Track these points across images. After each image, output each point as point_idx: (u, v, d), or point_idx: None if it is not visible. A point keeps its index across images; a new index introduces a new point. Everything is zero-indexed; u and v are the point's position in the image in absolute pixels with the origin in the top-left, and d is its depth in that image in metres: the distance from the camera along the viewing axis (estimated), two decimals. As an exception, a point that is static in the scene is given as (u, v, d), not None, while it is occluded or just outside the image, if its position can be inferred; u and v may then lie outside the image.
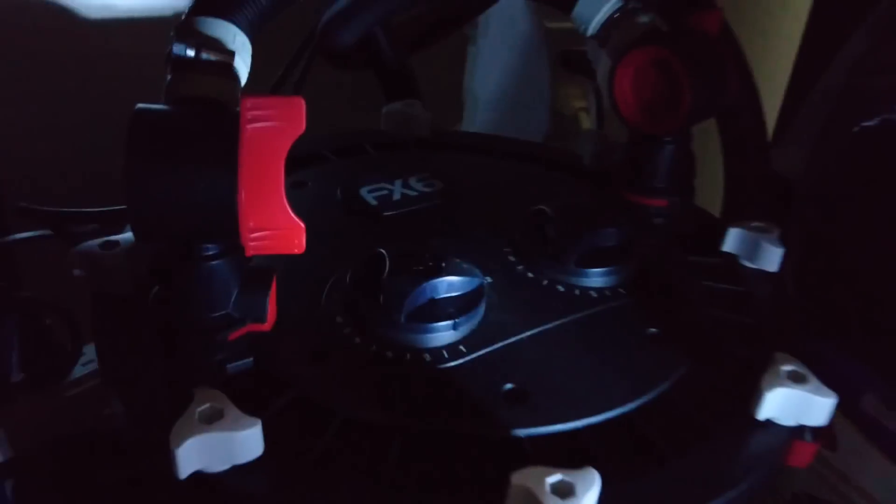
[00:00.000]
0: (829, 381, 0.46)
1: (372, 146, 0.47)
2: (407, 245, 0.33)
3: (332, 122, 0.55)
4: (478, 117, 0.72)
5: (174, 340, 0.30)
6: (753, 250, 0.39)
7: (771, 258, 0.39)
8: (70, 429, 0.44)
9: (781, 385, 0.30)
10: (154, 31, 0.36)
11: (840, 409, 0.46)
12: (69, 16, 0.48)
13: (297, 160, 0.44)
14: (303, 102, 0.27)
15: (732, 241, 0.40)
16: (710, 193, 0.52)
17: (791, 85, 0.61)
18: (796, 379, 0.30)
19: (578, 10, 0.40)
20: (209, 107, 0.27)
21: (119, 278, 0.33)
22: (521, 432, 0.28)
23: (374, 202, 0.39)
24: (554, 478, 0.25)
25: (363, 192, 0.39)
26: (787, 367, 0.31)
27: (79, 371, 0.45)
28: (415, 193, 0.40)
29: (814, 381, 0.31)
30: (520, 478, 0.25)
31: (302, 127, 0.27)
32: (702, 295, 0.37)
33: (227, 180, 0.26)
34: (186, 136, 0.26)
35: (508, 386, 0.30)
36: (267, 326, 0.30)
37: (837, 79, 0.49)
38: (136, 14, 0.45)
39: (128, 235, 0.34)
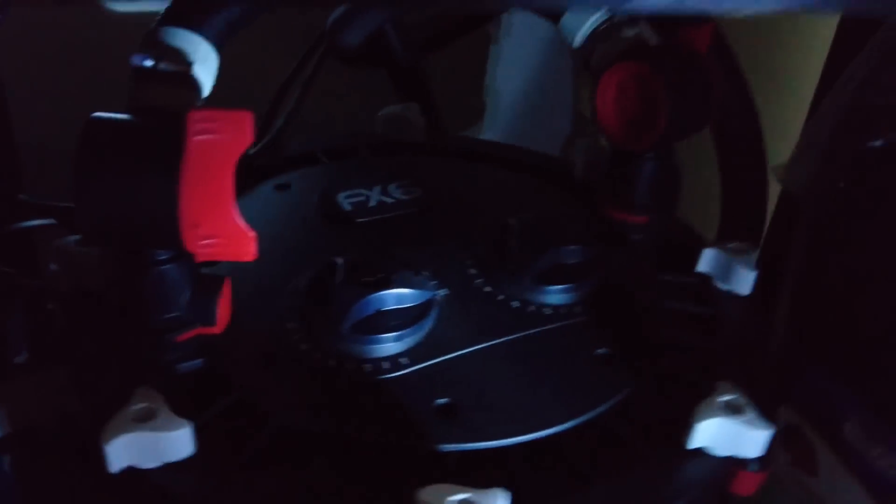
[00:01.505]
0: (813, 404, 0.46)
1: (365, 149, 0.48)
2: (364, 255, 0.34)
3: (346, 120, 0.56)
4: (499, 117, 0.72)
5: (127, 339, 0.31)
6: (727, 272, 0.39)
7: (743, 281, 0.39)
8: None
9: (715, 415, 0.30)
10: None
11: (822, 434, 0.46)
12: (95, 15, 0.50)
13: (288, 161, 0.45)
14: (250, 116, 0.28)
15: (707, 261, 0.40)
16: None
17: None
18: (733, 410, 0.30)
19: (565, 21, 0.40)
20: (160, 117, 0.28)
21: (92, 276, 0.34)
22: (447, 448, 0.29)
23: (348, 208, 0.40)
24: (457, 497, 0.26)
25: (340, 197, 0.40)
26: (724, 398, 0.31)
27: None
28: (391, 201, 0.41)
29: (751, 413, 0.30)
30: (425, 495, 0.26)
31: (249, 140, 0.28)
32: (664, 315, 0.37)
33: (168, 189, 0.27)
34: (133, 145, 0.27)
35: (442, 400, 0.30)
36: (217, 329, 0.31)
37: (843, 96, 0.48)
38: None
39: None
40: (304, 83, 0.51)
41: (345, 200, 0.40)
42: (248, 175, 0.43)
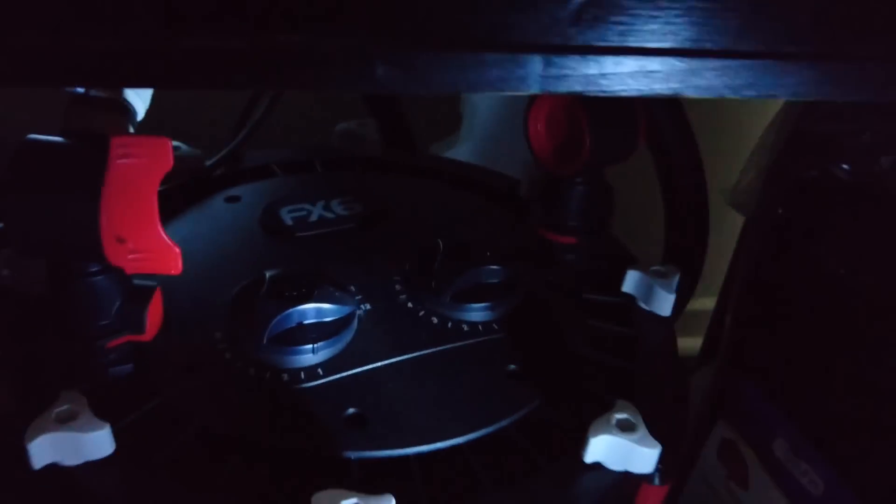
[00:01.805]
0: (747, 423, 0.47)
1: (320, 164, 0.50)
2: (294, 269, 0.36)
3: (321, 131, 0.58)
4: (475, 129, 0.74)
5: (61, 344, 0.33)
6: (649, 294, 0.41)
7: (663, 303, 0.40)
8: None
9: (608, 432, 0.32)
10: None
11: (752, 448, 0.47)
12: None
13: (244, 173, 0.48)
14: (168, 142, 0.30)
15: (631, 282, 0.41)
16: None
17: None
18: (625, 428, 0.32)
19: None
20: (87, 140, 0.30)
21: (38, 283, 0.37)
22: (352, 455, 0.31)
23: (290, 222, 0.42)
24: (348, 501, 0.28)
25: (283, 211, 0.42)
26: (619, 416, 0.32)
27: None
28: (332, 216, 0.43)
29: (642, 432, 0.32)
30: (318, 499, 0.28)
31: (169, 164, 0.30)
32: (581, 334, 0.38)
33: (89, 208, 0.29)
34: (59, 165, 0.30)
35: (351, 410, 0.33)
36: (147, 337, 0.34)
37: (785, 123, 0.49)
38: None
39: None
40: (269, 98, 0.53)
41: (287, 215, 0.42)
42: (204, 186, 0.46)
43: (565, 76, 0.22)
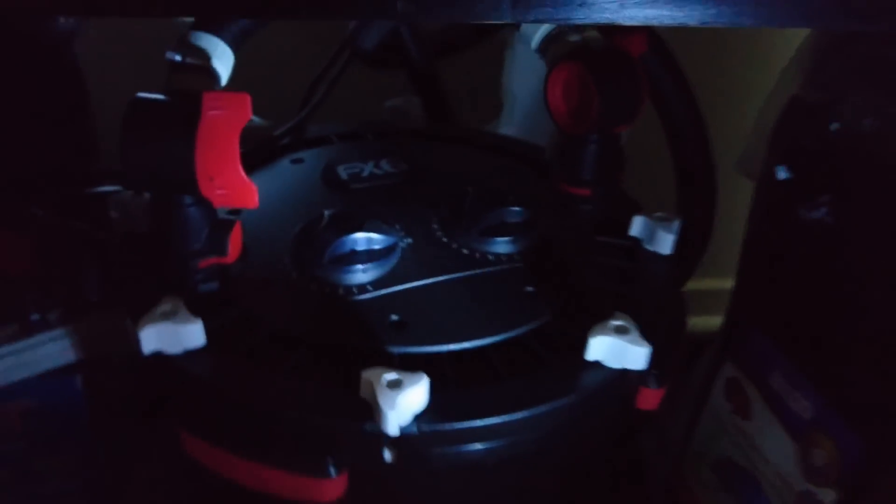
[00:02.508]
0: (749, 360, 0.53)
1: (372, 134, 0.57)
2: (348, 210, 0.44)
3: (364, 112, 0.66)
4: (514, 115, 0.81)
5: (162, 265, 0.41)
6: (652, 236, 0.47)
7: (665, 243, 0.47)
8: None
9: (605, 334, 0.38)
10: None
11: (754, 383, 0.53)
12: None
13: (306, 142, 0.56)
14: (248, 97, 0.38)
15: (637, 227, 0.48)
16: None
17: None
18: (619, 331, 0.39)
19: (523, 28, 0.49)
20: (183, 98, 0.38)
21: (141, 221, 0.45)
22: (394, 350, 0.38)
23: (345, 177, 0.50)
24: (390, 375, 0.35)
25: (339, 168, 0.50)
26: (615, 322, 0.39)
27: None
28: (381, 172, 0.50)
29: (634, 334, 0.39)
30: (366, 374, 0.35)
31: (248, 115, 0.38)
32: (591, 266, 0.45)
33: (187, 150, 0.37)
34: (163, 117, 0.38)
35: (394, 317, 0.40)
36: (229, 260, 0.41)
37: (783, 93, 0.55)
38: None
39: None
40: (329, 81, 0.61)
41: (343, 171, 0.50)
42: (273, 151, 0.54)
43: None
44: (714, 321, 0.61)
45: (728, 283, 0.59)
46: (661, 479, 0.65)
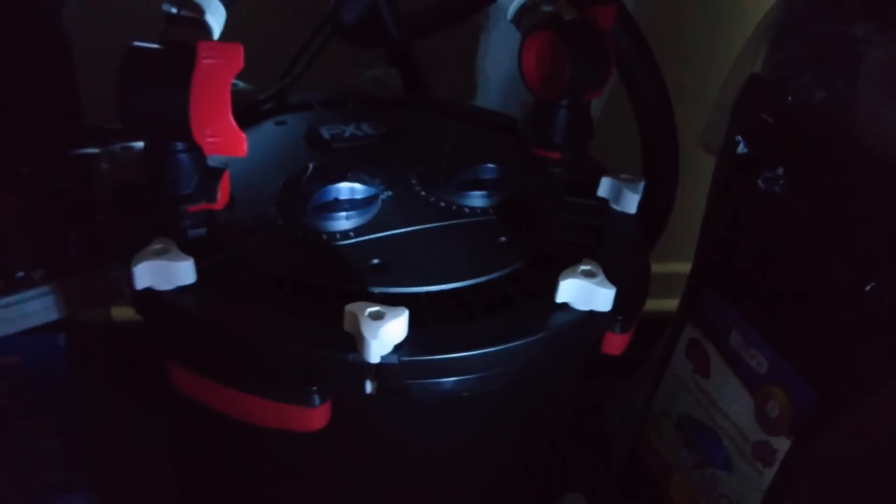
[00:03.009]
0: (708, 319, 0.56)
1: (351, 101, 0.60)
2: (332, 163, 0.46)
3: (343, 82, 0.68)
4: (489, 97, 0.84)
5: (153, 209, 0.43)
6: (619, 196, 0.50)
7: (630, 203, 0.49)
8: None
9: (574, 277, 0.41)
10: None
11: (713, 342, 0.56)
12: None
13: (288, 107, 0.58)
14: (240, 47, 0.40)
15: (604, 187, 0.50)
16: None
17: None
18: (587, 275, 0.41)
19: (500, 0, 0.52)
20: (178, 47, 0.40)
21: (131, 172, 0.47)
22: (375, 290, 0.41)
23: (327, 136, 0.52)
24: (372, 308, 0.37)
25: (322, 129, 0.52)
26: (584, 267, 0.42)
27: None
28: (362, 134, 0.53)
29: (601, 277, 0.41)
30: (350, 307, 0.37)
31: (240, 65, 0.40)
32: (560, 222, 0.48)
33: (181, 97, 0.39)
34: (158, 65, 0.39)
35: (375, 261, 0.42)
36: (218, 206, 0.43)
37: (742, 71, 0.58)
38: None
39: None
40: (311, 53, 0.63)
41: (325, 131, 0.52)
42: (257, 115, 0.56)
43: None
44: (676, 304, 0.64)
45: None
46: (624, 440, 0.68)
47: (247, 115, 0.54)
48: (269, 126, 0.54)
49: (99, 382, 0.66)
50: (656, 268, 0.60)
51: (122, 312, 0.73)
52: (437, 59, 0.76)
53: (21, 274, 0.55)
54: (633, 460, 0.66)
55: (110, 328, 0.72)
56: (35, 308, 0.55)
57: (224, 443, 0.44)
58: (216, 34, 0.44)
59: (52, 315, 0.56)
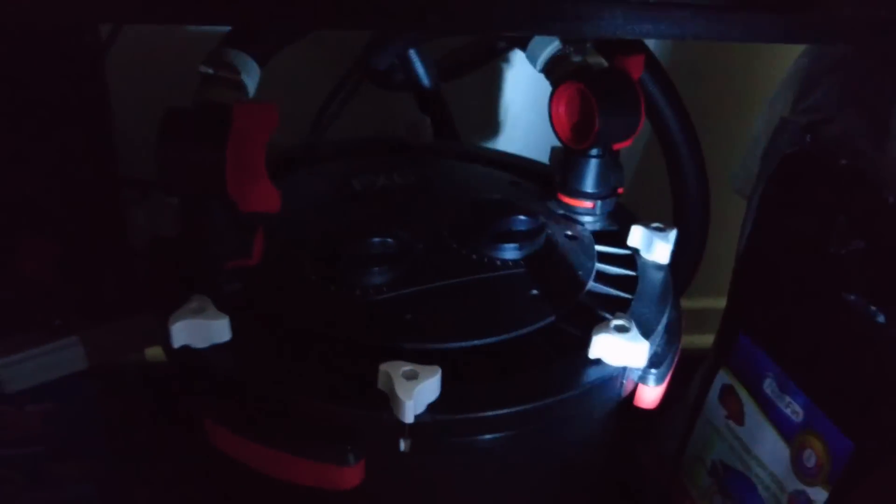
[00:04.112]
0: (741, 366, 0.56)
1: (382, 149, 0.60)
2: (365, 217, 0.46)
3: (375, 127, 0.69)
4: (516, 133, 0.84)
5: (190, 264, 0.44)
6: (650, 245, 0.50)
7: (662, 252, 0.49)
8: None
9: (607, 332, 0.41)
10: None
11: (747, 389, 0.56)
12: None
13: (319, 156, 0.58)
14: (275, 106, 0.41)
15: (635, 236, 0.50)
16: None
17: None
18: (620, 330, 0.41)
19: (530, 50, 0.52)
20: (216, 108, 0.41)
21: (166, 224, 0.47)
22: (407, 346, 0.41)
23: (359, 188, 0.52)
24: (406, 367, 0.37)
25: (353, 181, 0.53)
26: (617, 322, 0.42)
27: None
28: (393, 184, 0.53)
29: (634, 333, 0.41)
30: (384, 366, 0.37)
31: (275, 124, 0.41)
32: (592, 273, 0.48)
33: (218, 157, 0.40)
34: (195, 128, 0.40)
35: (408, 316, 0.42)
36: (253, 262, 0.44)
37: (773, 116, 0.58)
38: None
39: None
40: (340, 100, 0.64)
41: (356, 183, 0.53)
42: (288, 165, 0.56)
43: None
44: (708, 339, 0.64)
45: (721, 303, 0.62)
46: (657, 484, 0.68)
47: (277, 165, 0.55)
48: (300, 177, 0.55)
49: (133, 427, 0.67)
50: (686, 303, 0.60)
51: (157, 352, 0.74)
52: (463, 100, 0.77)
53: (58, 322, 0.56)
54: (667, 502, 0.65)
55: (144, 369, 0.73)
56: (71, 356, 0.56)
57: (255, 498, 0.45)
58: (251, 92, 0.44)
59: (86, 363, 0.57)
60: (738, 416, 0.57)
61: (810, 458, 0.50)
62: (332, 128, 0.62)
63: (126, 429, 0.65)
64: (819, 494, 0.49)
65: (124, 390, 0.66)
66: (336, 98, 0.66)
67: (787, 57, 0.58)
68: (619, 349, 0.41)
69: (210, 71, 0.42)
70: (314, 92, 0.65)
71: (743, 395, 0.57)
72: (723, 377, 0.59)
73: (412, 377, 0.36)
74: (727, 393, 0.58)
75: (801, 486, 0.51)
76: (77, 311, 0.57)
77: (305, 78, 0.67)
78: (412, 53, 0.63)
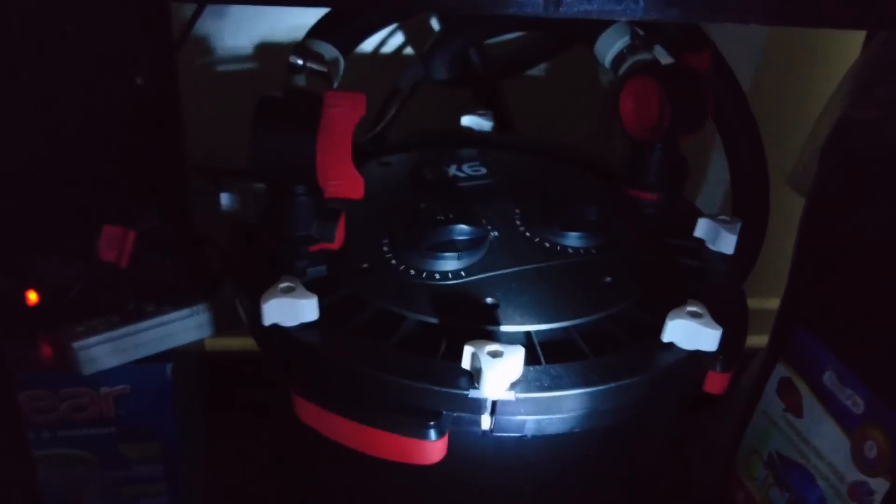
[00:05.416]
0: (801, 359, 0.57)
1: (449, 141, 0.62)
2: (440, 204, 0.48)
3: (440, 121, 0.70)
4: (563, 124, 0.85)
5: (276, 250, 0.45)
6: (716, 237, 0.51)
7: (728, 243, 0.50)
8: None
9: (681, 317, 0.42)
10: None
11: (805, 381, 0.57)
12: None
13: (392, 147, 0.60)
14: (363, 96, 0.42)
15: (701, 228, 0.52)
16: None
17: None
18: (694, 315, 0.42)
19: (598, 46, 0.54)
20: (306, 97, 0.42)
21: (250, 212, 0.49)
22: (489, 328, 0.42)
23: (431, 178, 0.54)
24: (491, 346, 0.39)
25: (425, 171, 0.54)
26: (690, 308, 0.43)
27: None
28: (463, 175, 0.55)
29: (707, 318, 0.42)
30: (469, 345, 0.39)
31: (362, 112, 0.42)
32: (662, 263, 0.49)
33: (309, 143, 0.41)
34: (288, 114, 0.42)
35: (489, 300, 0.44)
36: (335, 246, 0.46)
37: (833, 112, 0.59)
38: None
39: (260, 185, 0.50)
40: (402, 97, 0.66)
41: (428, 172, 0.54)
42: (359, 157, 0.58)
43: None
44: (759, 340, 0.64)
45: (773, 304, 0.63)
46: (709, 479, 0.68)
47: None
48: (373, 167, 0.56)
49: (196, 411, 0.69)
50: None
51: (215, 343, 0.76)
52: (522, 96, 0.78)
53: (133, 305, 0.58)
54: (721, 498, 0.66)
55: (204, 358, 0.75)
56: (147, 339, 0.58)
57: (340, 472, 0.46)
58: (336, 82, 0.46)
59: (162, 345, 0.58)
60: (796, 409, 0.58)
61: (872, 450, 0.51)
62: (395, 122, 0.64)
63: (191, 413, 0.67)
64: (880, 485, 0.50)
65: (189, 376, 0.68)
66: (398, 95, 0.67)
67: (850, 55, 0.59)
68: (693, 334, 0.42)
69: (299, 61, 0.44)
70: (372, 90, 0.66)
71: (802, 387, 0.57)
72: (781, 370, 0.60)
73: (497, 355, 0.38)
74: (785, 386, 0.59)
75: (861, 477, 0.51)
76: (152, 296, 0.59)
77: (367, 75, 0.69)
78: (472, 51, 0.65)
